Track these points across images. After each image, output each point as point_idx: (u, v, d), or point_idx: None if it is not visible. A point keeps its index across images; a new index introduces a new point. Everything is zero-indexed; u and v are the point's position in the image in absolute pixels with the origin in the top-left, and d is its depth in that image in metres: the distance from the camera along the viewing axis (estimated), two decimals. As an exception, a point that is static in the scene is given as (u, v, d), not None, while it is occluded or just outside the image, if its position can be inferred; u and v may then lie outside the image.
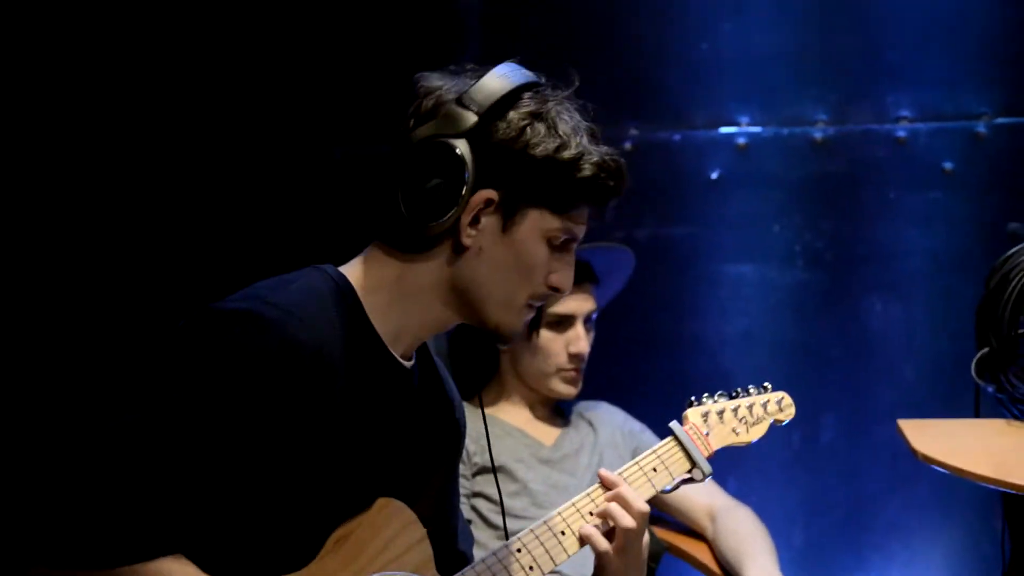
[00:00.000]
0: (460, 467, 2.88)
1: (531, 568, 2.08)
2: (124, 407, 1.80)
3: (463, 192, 1.92)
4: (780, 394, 2.39)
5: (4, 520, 1.79)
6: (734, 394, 2.34)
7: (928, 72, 3.79)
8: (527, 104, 1.95)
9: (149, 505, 1.77)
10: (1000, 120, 3.78)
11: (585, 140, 1.96)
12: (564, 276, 2.01)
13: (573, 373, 2.99)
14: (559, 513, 2.11)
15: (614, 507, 2.08)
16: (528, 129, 1.93)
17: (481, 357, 3.08)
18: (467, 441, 2.89)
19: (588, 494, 2.12)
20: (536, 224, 1.96)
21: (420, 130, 1.93)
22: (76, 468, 1.77)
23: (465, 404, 2.98)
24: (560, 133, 1.94)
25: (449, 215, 1.92)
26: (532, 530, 2.10)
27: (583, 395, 3.12)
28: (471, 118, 1.91)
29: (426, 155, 1.92)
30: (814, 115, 3.80)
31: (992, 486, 2.65)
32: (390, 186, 1.95)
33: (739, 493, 3.07)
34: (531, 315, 2.04)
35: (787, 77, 3.79)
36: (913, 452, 2.77)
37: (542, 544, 2.09)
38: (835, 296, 3.88)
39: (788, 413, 2.39)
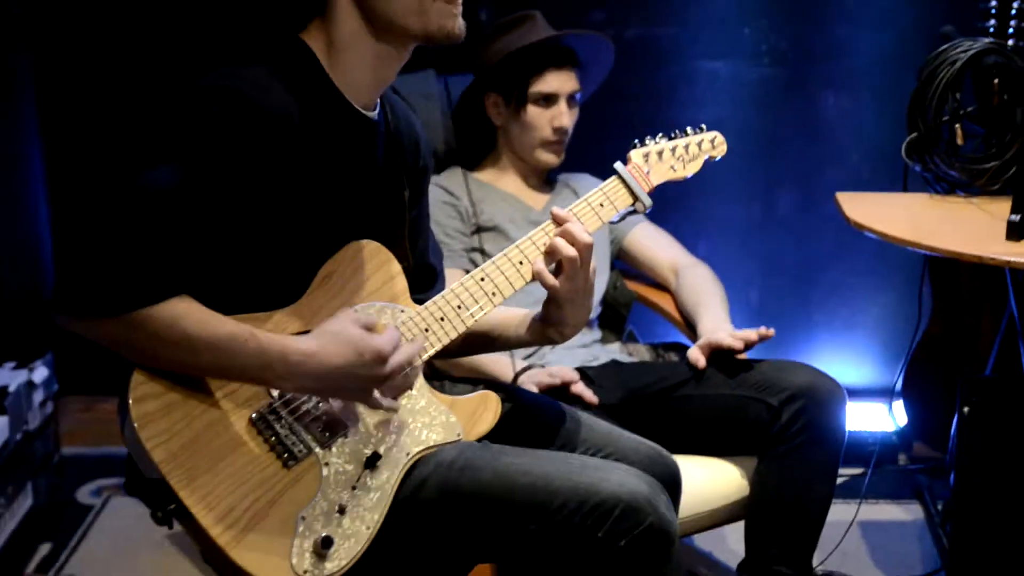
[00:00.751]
0: (459, 224, 2.98)
1: (493, 294, 2.10)
2: (136, 172, 1.83)
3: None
4: (713, 133, 2.38)
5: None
6: (673, 135, 2.32)
7: None
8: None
9: (156, 254, 1.79)
10: None
11: (502, 37, 2.01)
12: (560, 118, 2.01)
13: (556, 145, 2.99)
14: (518, 246, 2.11)
15: (559, 241, 2.07)
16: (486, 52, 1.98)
17: (480, 135, 3.11)
18: (467, 203, 2.98)
19: (543, 228, 2.11)
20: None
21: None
22: (92, 226, 1.80)
23: (464, 173, 3.08)
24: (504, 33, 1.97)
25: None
26: (494, 261, 2.11)
27: (571, 168, 3.15)
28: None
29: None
30: None
31: (913, 248, 2.65)
32: None
33: (706, 257, 3.08)
34: (455, 11, 1.98)
35: None
36: (847, 220, 2.81)
37: (502, 273, 2.10)
38: (794, 89, 3.91)
39: (720, 149, 2.38)
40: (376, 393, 1.94)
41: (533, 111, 2.96)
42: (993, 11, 3.06)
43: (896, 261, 3.89)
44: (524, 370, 2.73)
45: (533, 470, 2.01)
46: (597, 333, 3.04)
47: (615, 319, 3.19)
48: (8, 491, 3.09)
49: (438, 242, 2.46)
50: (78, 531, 3.40)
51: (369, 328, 1.93)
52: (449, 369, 2.65)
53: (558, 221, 2.11)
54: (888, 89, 3.84)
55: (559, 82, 2.96)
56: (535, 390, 2.62)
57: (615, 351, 2.98)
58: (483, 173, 3.13)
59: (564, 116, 2.97)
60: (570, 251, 2.08)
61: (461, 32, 2.01)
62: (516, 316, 2.26)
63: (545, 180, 3.14)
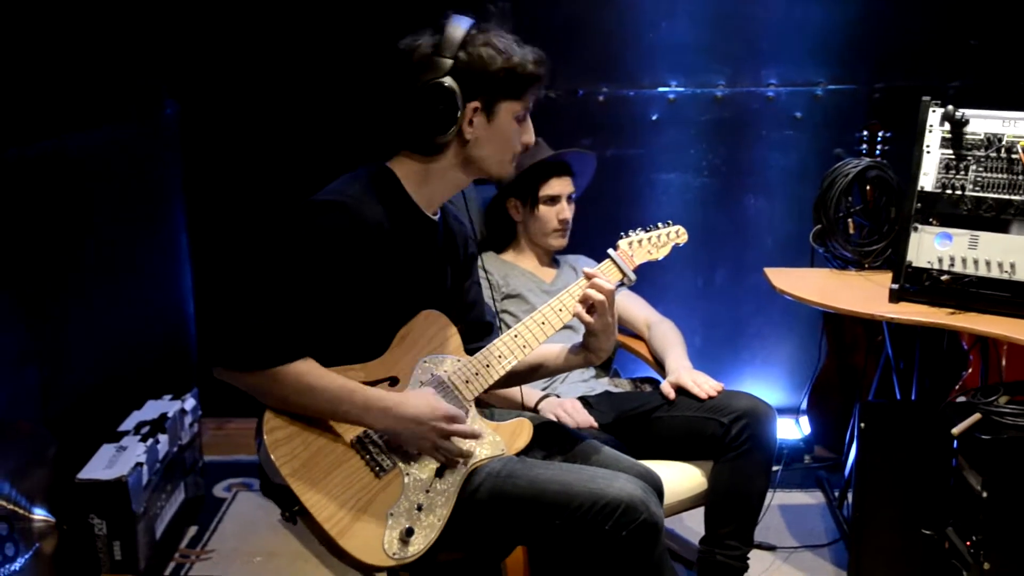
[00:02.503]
0: (490, 293, 2.91)
1: (524, 347, 2.09)
2: (267, 266, 1.82)
3: (459, 110, 1.90)
4: (678, 227, 2.37)
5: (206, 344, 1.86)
6: (648, 228, 2.32)
7: (786, 56, 3.74)
8: (476, 39, 1.90)
9: (288, 327, 1.79)
10: (830, 87, 3.75)
11: (516, 47, 1.92)
12: (529, 135, 1.99)
13: (561, 232, 2.98)
14: (541, 311, 2.11)
15: (591, 291, 2.08)
16: (483, 54, 1.89)
17: (504, 228, 3.07)
18: (497, 278, 2.92)
19: (568, 292, 2.13)
20: (508, 110, 1.94)
21: (423, 76, 1.89)
22: (239, 304, 1.80)
23: (495, 255, 3.02)
24: (502, 49, 1.90)
25: (452, 129, 1.91)
26: (524, 322, 2.10)
27: (571, 251, 3.11)
28: (448, 62, 1.89)
29: (431, 93, 1.89)
30: (717, 81, 3.77)
31: (819, 307, 2.67)
32: (410, 115, 1.93)
33: (665, 314, 3.05)
34: (513, 165, 2.02)
35: (701, 58, 3.75)
36: (773, 287, 2.79)
37: (530, 331, 2.09)
38: (727, 195, 3.87)
39: (684, 238, 2.37)
40: (438, 446, 1.92)
41: (543, 209, 2.96)
42: (865, 139, 3.06)
43: (800, 318, 3.87)
44: (543, 398, 2.67)
45: (558, 479, 1.99)
46: (592, 371, 2.97)
47: (605, 361, 3.10)
48: (168, 488, 3.03)
49: None
50: (215, 517, 3.35)
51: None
52: (489, 399, 2.58)
53: (588, 276, 2.12)
54: (794, 195, 3.81)
55: (561, 186, 2.96)
56: (552, 417, 2.55)
57: (606, 384, 2.93)
58: (507, 255, 3.07)
59: (565, 211, 2.98)
60: (599, 296, 2.08)
61: (510, 176, 2.05)
62: (554, 351, 2.23)
63: (552, 260, 3.09)
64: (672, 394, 2.65)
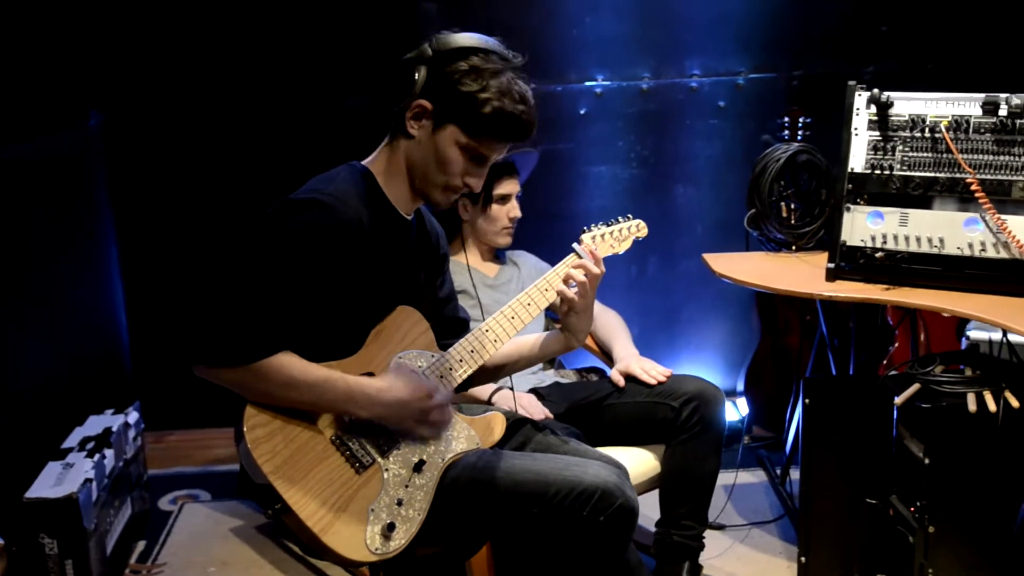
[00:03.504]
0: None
1: (495, 341, 2.10)
2: (246, 263, 1.82)
3: (409, 95, 1.90)
4: (638, 221, 2.40)
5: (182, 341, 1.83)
6: (610, 223, 2.35)
7: (709, 47, 3.82)
8: (475, 60, 1.90)
9: (268, 322, 1.79)
10: (751, 75, 3.85)
11: (505, 97, 1.89)
12: (475, 180, 1.96)
13: (510, 230, 2.99)
14: (536, 286, 2.14)
15: (575, 271, 2.12)
16: (464, 73, 1.88)
17: (450, 225, 2.96)
18: None
19: (536, 285, 2.15)
20: (452, 135, 1.91)
21: (407, 54, 1.92)
22: (219, 302, 1.80)
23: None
24: (485, 83, 1.88)
25: (400, 105, 1.91)
26: (494, 317, 2.12)
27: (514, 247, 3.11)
28: (429, 52, 1.90)
29: (401, 70, 1.92)
30: (642, 74, 3.83)
31: (760, 289, 2.72)
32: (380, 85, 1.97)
33: (605, 303, 3.06)
34: (452, 198, 1.99)
35: (626, 51, 3.80)
36: (713, 272, 2.85)
37: (500, 325, 2.11)
38: (655, 185, 3.93)
39: (643, 232, 2.40)
40: (427, 421, 1.95)
41: (496, 208, 2.95)
42: (787, 125, 3.16)
43: (733, 302, 3.94)
44: (496, 390, 2.69)
45: (533, 468, 2.02)
46: (539, 364, 3.00)
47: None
48: (115, 503, 2.99)
49: None
50: (163, 530, 3.30)
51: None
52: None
53: (579, 255, 2.14)
54: (720, 182, 3.89)
55: (511, 186, 2.97)
56: (505, 408, 2.58)
57: (553, 375, 2.97)
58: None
59: (515, 210, 2.98)
60: (582, 276, 2.10)
61: (446, 207, 2.05)
62: (529, 341, 2.24)
63: (495, 255, 3.10)
64: (622, 382, 2.71)
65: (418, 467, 1.95)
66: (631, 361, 2.75)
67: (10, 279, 2.97)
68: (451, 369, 2.07)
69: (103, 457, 2.89)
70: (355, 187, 1.95)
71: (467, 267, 2.99)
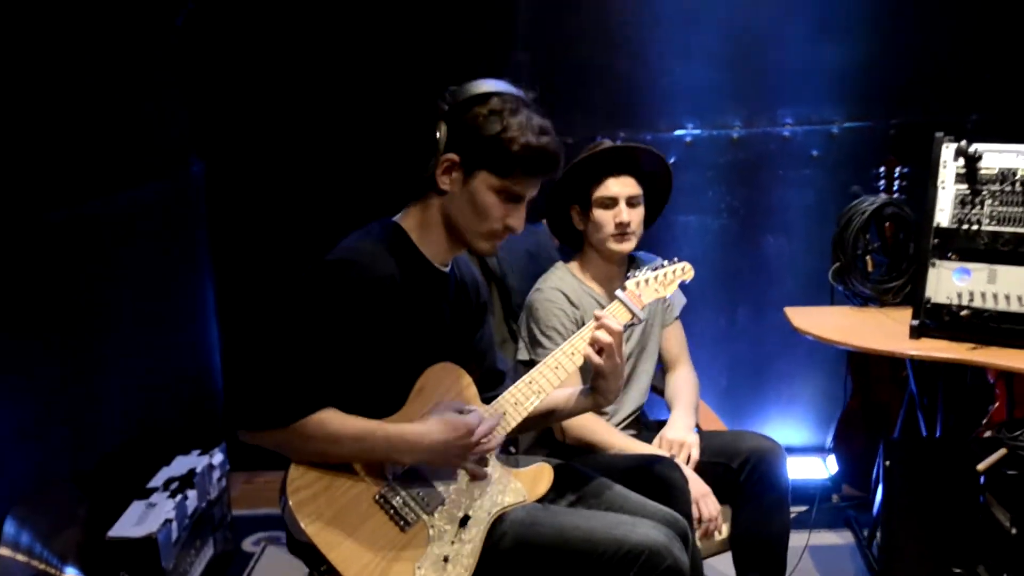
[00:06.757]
0: (568, 329, 2.69)
1: (539, 392, 2.08)
2: (283, 326, 1.84)
3: (436, 154, 1.91)
4: (684, 263, 2.36)
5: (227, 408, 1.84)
6: (655, 267, 2.31)
7: (802, 96, 3.75)
8: (493, 103, 1.91)
9: (306, 383, 1.81)
10: (846, 125, 3.76)
11: (528, 132, 1.90)
12: (515, 221, 1.96)
13: (619, 236, 2.68)
14: (562, 349, 2.12)
15: (599, 333, 2.08)
16: (485, 118, 1.89)
17: (571, 236, 2.83)
18: (579, 312, 2.70)
19: (579, 334, 2.13)
20: (485, 181, 1.92)
21: (423, 116, 1.94)
22: (256, 365, 1.82)
23: (563, 266, 2.80)
24: (506, 123, 1.89)
25: (428, 166, 1.92)
26: (538, 368, 2.10)
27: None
28: (444, 107, 1.92)
29: (421, 131, 1.94)
30: (733, 123, 3.79)
31: (840, 346, 2.67)
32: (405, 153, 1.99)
33: (692, 354, 2.98)
34: (496, 244, 1.99)
35: (717, 99, 3.77)
36: (794, 327, 2.82)
37: (544, 376, 2.09)
38: (745, 235, 3.87)
39: (689, 275, 2.35)
40: (468, 457, 1.96)
41: (598, 213, 2.69)
42: (883, 175, 3.09)
43: (824, 355, 3.83)
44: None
45: (582, 526, 2.00)
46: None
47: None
48: (196, 544, 3.05)
49: (550, 339, 2.59)
50: (244, 572, 3.36)
51: (460, 412, 1.97)
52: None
53: (597, 319, 2.11)
54: (812, 233, 3.80)
55: (619, 187, 2.68)
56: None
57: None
58: (573, 265, 2.83)
59: (623, 213, 2.66)
60: (607, 338, 2.08)
61: (493, 254, 2.08)
62: (564, 395, 2.22)
63: (620, 264, 2.81)
64: (663, 453, 2.60)
65: (463, 522, 1.95)
66: (666, 434, 2.67)
67: (110, 319, 3.08)
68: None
69: (185, 498, 2.96)
70: (387, 243, 1.96)
71: (587, 291, 2.80)
